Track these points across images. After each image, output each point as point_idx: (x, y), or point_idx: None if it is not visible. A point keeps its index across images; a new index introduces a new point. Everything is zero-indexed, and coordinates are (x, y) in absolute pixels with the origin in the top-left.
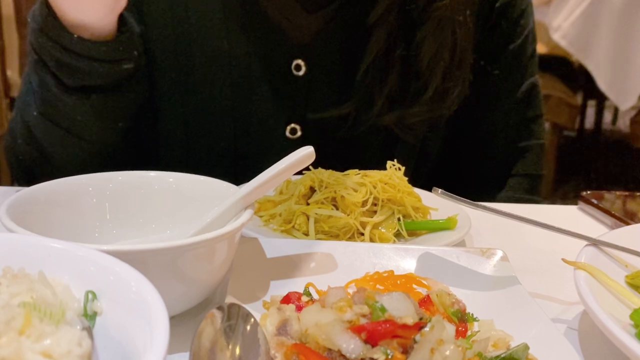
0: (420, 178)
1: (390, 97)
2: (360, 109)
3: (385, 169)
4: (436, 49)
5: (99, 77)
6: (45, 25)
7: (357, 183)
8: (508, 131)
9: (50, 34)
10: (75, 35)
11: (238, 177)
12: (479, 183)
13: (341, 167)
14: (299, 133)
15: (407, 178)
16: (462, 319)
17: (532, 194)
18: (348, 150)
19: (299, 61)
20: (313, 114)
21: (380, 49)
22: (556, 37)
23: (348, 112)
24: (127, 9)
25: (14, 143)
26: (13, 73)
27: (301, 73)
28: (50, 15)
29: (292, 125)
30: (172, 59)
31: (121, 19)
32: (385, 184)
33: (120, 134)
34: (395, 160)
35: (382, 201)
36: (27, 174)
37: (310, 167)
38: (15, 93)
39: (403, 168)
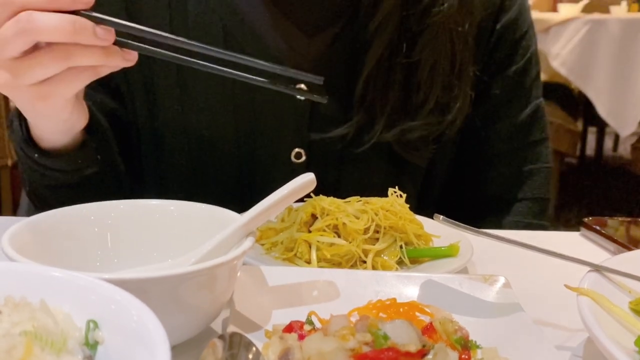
0: (428, 203)
1: (391, 114)
2: (362, 127)
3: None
4: (435, 58)
5: (63, 181)
6: (16, 137)
7: (359, 210)
8: (514, 154)
9: (21, 146)
10: (36, 154)
11: (244, 203)
12: (485, 207)
13: (347, 191)
14: (303, 157)
15: (412, 204)
16: (465, 347)
17: (541, 218)
18: (353, 174)
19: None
20: (316, 134)
21: (380, 58)
22: (555, 64)
23: (350, 131)
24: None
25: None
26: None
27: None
28: (19, 124)
29: (297, 149)
30: (175, 89)
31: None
32: (387, 211)
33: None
34: (402, 183)
35: (384, 228)
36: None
37: (312, 194)
38: None
39: (405, 195)
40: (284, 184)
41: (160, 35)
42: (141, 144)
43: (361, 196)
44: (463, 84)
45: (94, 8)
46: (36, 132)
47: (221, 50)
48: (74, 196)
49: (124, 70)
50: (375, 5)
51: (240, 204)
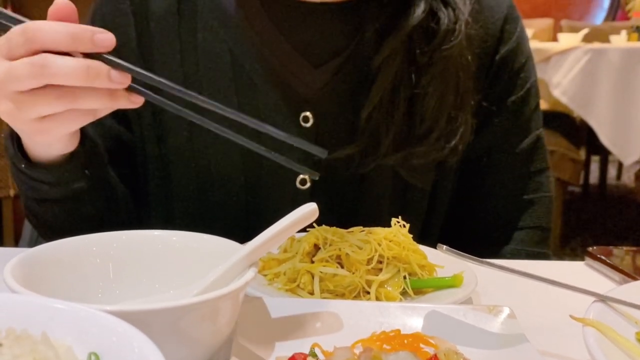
0: (432, 232)
1: (396, 139)
2: (366, 150)
3: (397, 218)
4: (442, 91)
5: (50, 194)
6: (5, 141)
7: (362, 240)
8: (515, 183)
9: (10, 155)
10: (23, 165)
11: (250, 229)
12: (486, 236)
13: (351, 218)
14: (308, 184)
15: (416, 233)
16: None
17: (542, 247)
18: (358, 200)
19: (307, 113)
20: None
21: (385, 92)
22: (556, 93)
23: (355, 151)
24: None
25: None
26: None
27: (309, 125)
28: (11, 137)
29: (301, 176)
30: (183, 118)
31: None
32: (390, 241)
33: (103, 218)
34: (406, 210)
35: (388, 259)
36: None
37: (315, 225)
38: None
39: (408, 225)
40: (289, 209)
41: (174, 88)
42: (148, 168)
43: (366, 224)
44: (465, 113)
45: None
46: (27, 146)
47: (234, 112)
48: (63, 212)
49: None
50: (379, 40)
51: (246, 230)
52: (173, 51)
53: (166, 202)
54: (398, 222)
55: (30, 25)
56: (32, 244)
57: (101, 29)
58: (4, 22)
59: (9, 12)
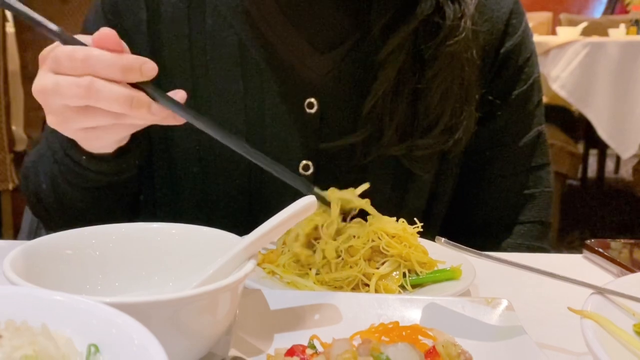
0: (434, 224)
1: (399, 130)
2: (370, 138)
3: (398, 208)
4: (447, 85)
5: (101, 182)
6: (62, 138)
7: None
8: (516, 178)
9: (65, 147)
10: (84, 157)
11: (253, 214)
12: (486, 230)
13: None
14: (311, 169)
15: (418, 221)
16: None
17: (542, 241)
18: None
19: (312, 99)
20: (324, 144)
21: (389, 84)
22: (555, 87)
23: (359, 140)
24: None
25: (28, 199)
26: (18, 128)
27: (313, 110)
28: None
29: (305, 162)
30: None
31: None
32: (393, 236)
33: (120, 208)
34: (408, 197)
35: (389, 252)
36: (41, 221)
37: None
38: (19, 148)
39: (417, 226)
40: (292, 194)
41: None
42: (153, 153)
43: (366, 213)
44: (470, 106)
45: None
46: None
47: (246, 147)
48: (97, 196)
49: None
50: (386, 29)
51: (249, 215)
52: (181, 35)
53: (170, 185)
54: (404, 221)
55: (80, 51)
56: (31, 236)
57: (147, 59)
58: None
59: (52, 25)
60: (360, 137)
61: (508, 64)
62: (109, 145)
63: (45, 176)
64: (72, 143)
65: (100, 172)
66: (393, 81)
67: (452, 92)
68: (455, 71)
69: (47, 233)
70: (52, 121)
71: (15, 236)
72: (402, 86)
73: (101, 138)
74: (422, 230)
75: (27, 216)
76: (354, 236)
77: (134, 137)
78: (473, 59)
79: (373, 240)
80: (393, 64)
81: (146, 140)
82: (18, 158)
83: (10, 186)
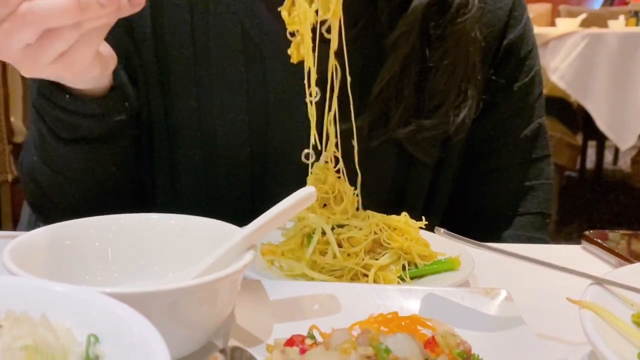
0: (435, 213)
1: (405, 112)
2: (375, 122)
3: (399, 196)
4: (453, 65)
5: (91, 130)
6: (42, 84)
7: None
8: (517, 169)
9: (45, 93)
10: (67, 96)
11: (255, 202)
12: (487, 221)
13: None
14: (313, 158)
15: (418, 214)
16: None
17: (542, 233)
18: (363, 174)
19: (315, 87)
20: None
21: (397, 69)
22: (554, 78)
23: (365, 124)
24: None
25: (25, 187)
26: (17, 119)
27: (317, 98)
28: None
29: (307, 150)
30: (191, 88)
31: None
32: (395, 229)
33: (117, 177)
34: (411, 182)
35: (390, 245)
36: (39, 214)
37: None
38: (18, 139)
39: (421, 223)
40: (294, 182)
41: None
42: (154, 140)
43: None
44: (473, 85)
45: None
46: (67, 88)
47: None
48: (87, 159)
49: (141, 64)
50: (394, 13)
51: (251, 203)
52: (184, 22)
53: (171, 171)
54: (406, 214)
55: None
56: (31, 227)
57: None
58: None
59: None
60: (366, 121)
61: (510, 55)
62: (90, 68)
63: (36, 144)
64: (55, 86)
65: (87, 114)
66: (400, 65)
67: (458, 72)
68: (461, 51)
69: (46, 224)
70: (24, 69)
71: (14, 227)
72: (409, 69)
73: (77, 62)
74: (426, 224)
75: (27, 207)
76: (356, 227)
77: (115, 73)
78: (477, 39)
79: (375, 233)
80: (403, 45)
81: (130, 91)
82: (17, 149)
83: (9, 177)
